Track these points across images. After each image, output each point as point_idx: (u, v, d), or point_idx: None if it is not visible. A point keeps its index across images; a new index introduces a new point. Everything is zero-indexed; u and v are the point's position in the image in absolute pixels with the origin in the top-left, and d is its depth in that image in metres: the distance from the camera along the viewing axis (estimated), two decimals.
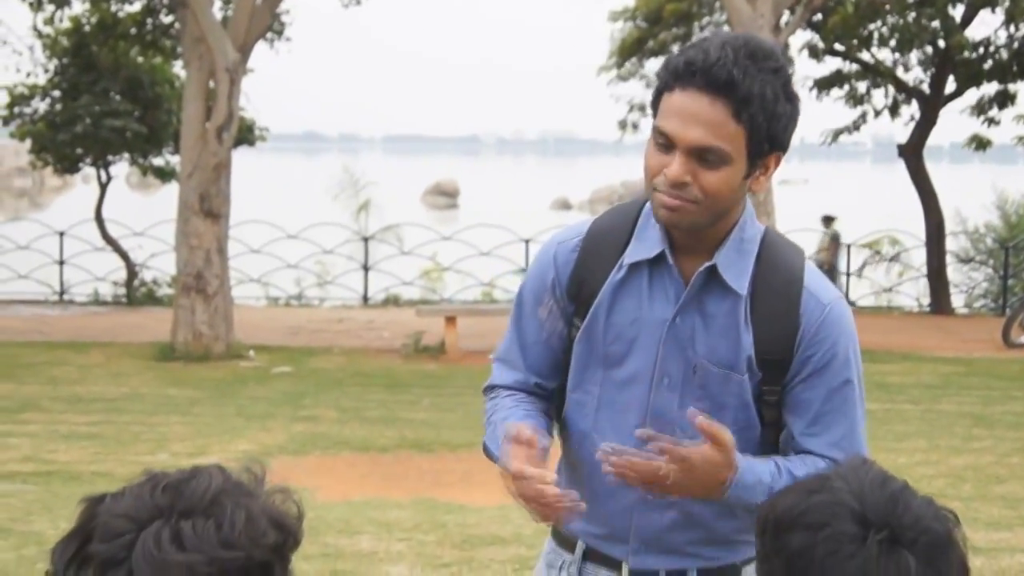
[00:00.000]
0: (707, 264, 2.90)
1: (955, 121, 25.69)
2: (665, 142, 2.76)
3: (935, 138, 25.93)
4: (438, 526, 8.51)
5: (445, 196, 67.16)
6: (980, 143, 24.41)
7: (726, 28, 23.97)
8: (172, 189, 20.02)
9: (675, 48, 24.80)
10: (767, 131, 2.75)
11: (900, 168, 25.06)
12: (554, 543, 3.21)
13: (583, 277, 3.03)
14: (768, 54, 2.75)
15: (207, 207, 16.12)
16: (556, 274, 3.07)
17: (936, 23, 22.34)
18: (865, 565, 1.88)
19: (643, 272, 2.97)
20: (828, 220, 23.10)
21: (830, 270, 21.99)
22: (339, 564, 7.44)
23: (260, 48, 18.52)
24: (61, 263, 23.21)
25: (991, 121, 24.14)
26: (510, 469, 2.84)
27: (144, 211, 26.66)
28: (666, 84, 2.77)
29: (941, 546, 1.93)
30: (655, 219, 2.92)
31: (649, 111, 2.93)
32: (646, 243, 2.97)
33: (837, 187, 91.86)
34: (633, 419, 2.97)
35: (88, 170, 24.49)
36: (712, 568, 3.05)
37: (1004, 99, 24.05)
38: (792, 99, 2.79)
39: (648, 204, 2.97)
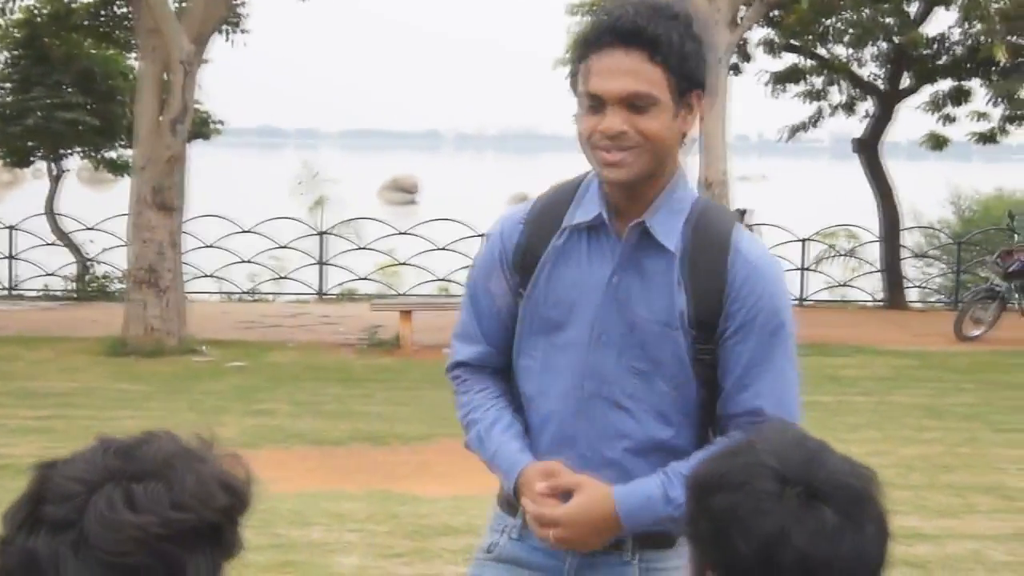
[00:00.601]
0: (637, 221, 3.05)
1: (912, 118, 25.84)
2: (594, 103, 2.96)
3: (893, 135, 26.10)
4: (390, 517, 8.51)
5: (403, 192, 66.93)
6: (937, 142, 24.56)
7: None
8: (124, 186, 19.89)
9: None
10: (681, 69, 2.94)
11: (857, 164, 25.18)
12: (499, 509, 3.33)
13: (527, 247, 3.18)
14: (667, 5, 2.98)
15: (160, 200, 16.03)
16: (503, 247, 3.23)
17: (892, 19, 22.44)
18: (784, 520, 1.93)
19: (583, 236, 3.12)
20: (741, 213, 23.18)
21: None
22: (291, 555, 7.45)
23: (216, 41, 18.42)
24: (11, 258, 22.99)
25: (947, 118, 24.28)
26: (546, 515, 3.05)
27: (96, 207, 26.47)
28: (582, 56, 2.99)
29: (858, 501, 1.98)
30: (600, 179, 3.07)
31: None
32: (585, 208, 3.12)
33: (795, 183, 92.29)
34: (571, 379, 3.13)
35: (38, 165, 24.34)
36: (649, 534, 3.12)
37: (959, 96, 24.18)
38: (696, 39, 2.99)
39: (589, 175, 3.17)
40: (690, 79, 2.97)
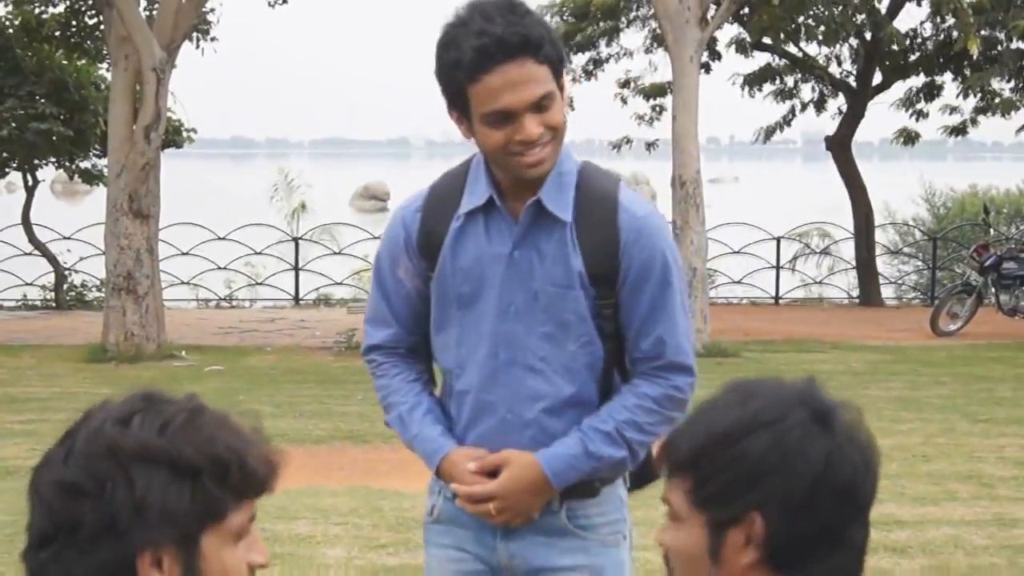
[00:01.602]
0: (533, 199, 3.25)
1: (884, 116, 25.96)
2: (500, 118, 3.10)
3: (865, 134, 26.25)
4: (374, 510, 8.58)
5: (375, 199, 66.81)
6: (908, 137, 24.67)
7: (652, 23, 24.14)
8: (96, 197, 19.86)
9: (602, 42, 24.94)
10: (556, 58, 3.14)
11: (830, 165, 25.25)
12: (434, 473, 3.50)
13: (428, 232, 3.37)
14: (516, 3, 3.13)
15: (136, 207, 16.03)
16: (406, 234, 3.41)
17: (863, 16, 22.53)
18: (834, 439, 2.04)
19: (479, 219, 3.32)
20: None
21: None
22: (277, 547, 7.49)
23: (186, 52, 18.43)
24: None
25: (919, 114, 24.36)
26: (479, 492, 3.31)
27: (69, 218, 26.44)
28: (468, 78, 3.09)
29: (860, 421, 2.12)
30: (520, 177, 3.22)
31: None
32: (476, 193, 3.32)
33: (767, 184, 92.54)
34: (486, 349, 3.34)
35: (10, 179, 24.25)
36: (573, 485, 3.34)
37: (931, 91, 24.31)
38: (546, 22, 3.22)
39: (475, 160, 3.38)
40: (560, 61, 3.17)
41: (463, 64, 3.07)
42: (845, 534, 2.07)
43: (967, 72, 22.39)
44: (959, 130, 24.08)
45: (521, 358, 3.32)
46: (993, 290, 19.31)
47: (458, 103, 3.17)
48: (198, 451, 1.93)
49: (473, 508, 3.31)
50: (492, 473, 3.30)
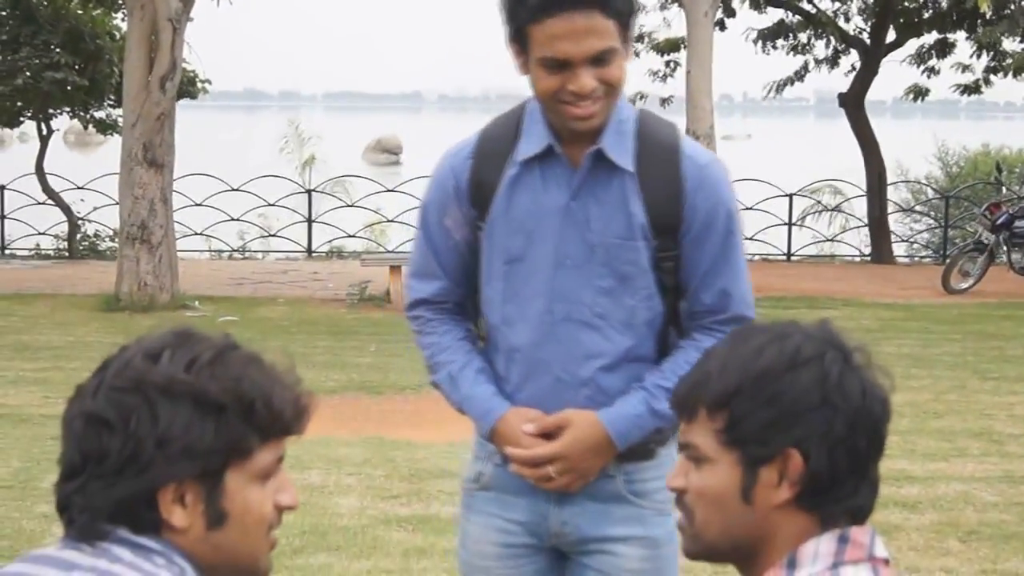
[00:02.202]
0: (594, 148, 3.15)
1: (897, 74, 25.86)
2: (556, 64, 3.01)
3: (877, 92, 26.11)
4: (387, 461, 8.64)
5: (387, 153, 66.78)
6: (918, 92, 24.63)
7: None
8: (109, 148, 19.87)
9: None
10: (627, 15, 3.05)
11: (843, 123, 25.18)
12: (478, 435, 3.39)
13: (480, 180, 3.25)
14: None
15: (151, 157, 16.06)
16: (456, 182, 3.28)
17: None
18: (864, 375, 2.11)
19: (535, 167, 3.20)
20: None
21: None
22: None
23: (203, 4, 18.42)
24: (2, 217, 23.03)
25: (931, 71, 24.32)
26: (542, 453, 3.19)
27: (83, 168, 26.45)
28: (531, 18, 3.00)
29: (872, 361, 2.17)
30: (568, 128, 3.13)
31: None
32: (533, 139, 3.20)
33: (779, 141, 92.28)
34: (540, 305, 3.22)
35: (24, 128, 24.26)
36: (630, 449, 3.24)
37: (944, 48, 24.23)
38: None
39: (529, 104, 3.26)
40: (631, 18, 3.07)
41: (528, 3, 3.00)
42: (869, 470, 2.12)
43: (979, 30, 22.30)
44: (972, 88, 23.99)
45: (577, 313, 3.21)
46: (1005, 248, 19.28)
47: (519, 39, 3.08)
48: (223, 388, 1.96)
49: (531, 472, 3.19)
50: (548, 436, 3.18)
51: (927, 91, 24.71)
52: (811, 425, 2.06)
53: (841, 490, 2.09)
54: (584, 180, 3.18)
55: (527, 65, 3.09)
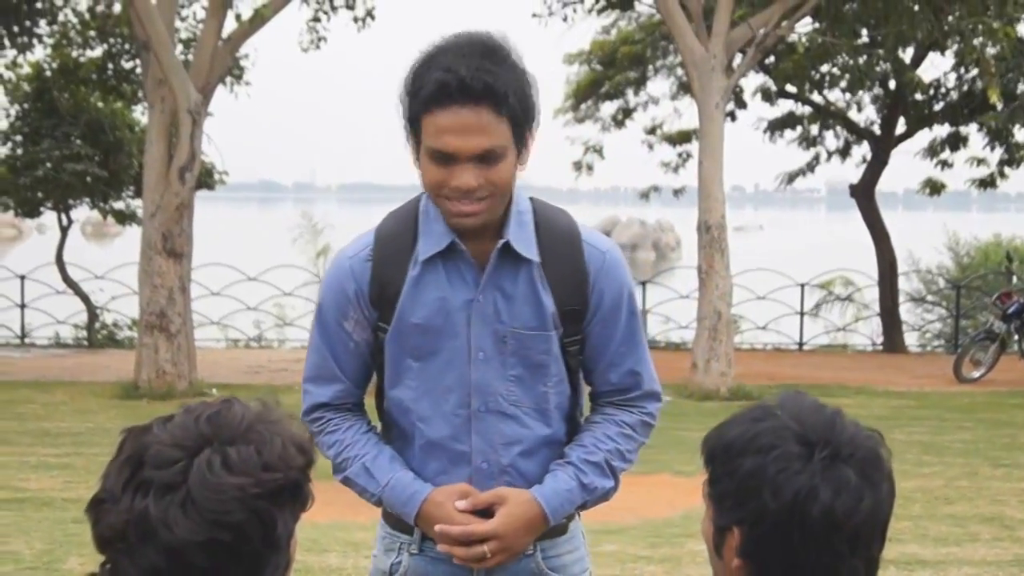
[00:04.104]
0: (502, 242, 3.16)
1: (908, 166, 26.01)
2: (441, 157, 3.00)
3: (889, 184, 26.28)
4: None
5: None
6: (934, 187, 24.75)
7: (679, 71, 24.36)
8: (125, 240, 20.04)
9: (629, 91, 25.19)
10: (523, 116, 3.03)
11: (854, 214, 25.34)
12: (388, 527, 3.40)
13: (382, 282, 3.22)
14: (499, 48, 3.02)
15: (170, 246, 16.28)
16: (356, 285, 3.24)
17: (886, 65, 22.69)
18: (811, 480, 2.13)
19: (437, 263, 3.20)
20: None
21: None
22: None
23: (219, 97, 18.68)
24: (22, 307, 23.24)
25: (944, 164, 24.44)
26: (478, 531, 3.15)
27: (99, 260, 26.68)
28: (423, 108, 2.99)
29: (873, 460, 2.20)
30: (449, 225, 3.14)
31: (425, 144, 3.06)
32: (433, 237, 3.19)
33: (791, 232, 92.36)
34: (455, 399, 3.23)
35: (43, 220, 24.48)
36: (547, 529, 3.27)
37: (956, 142, 24.37)
38: (527, 78, 3.06)
39: (423, 200, 3.24)
40: (529, 120, 3.06)
41: (421, 94, 2.97)
42: (826, 570, 2.16)
43: (992, 123, 22.44)
44: (987, 183, 24.08)
45: (494, 404, 3.22)
46: (1016, 337, 19.31)
47: (412, 128, 3.05)
48: (289, 465, 2.11)
49: (464, 552, 3.16)
50: (480, 513, 3.17)
51: (943, 186, 24.83)
52: (748, 510, 2.17)
53: None
54: (491, 274, 3.18)
55: (418, 158, 3.07)
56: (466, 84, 2.92)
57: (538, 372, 3.24)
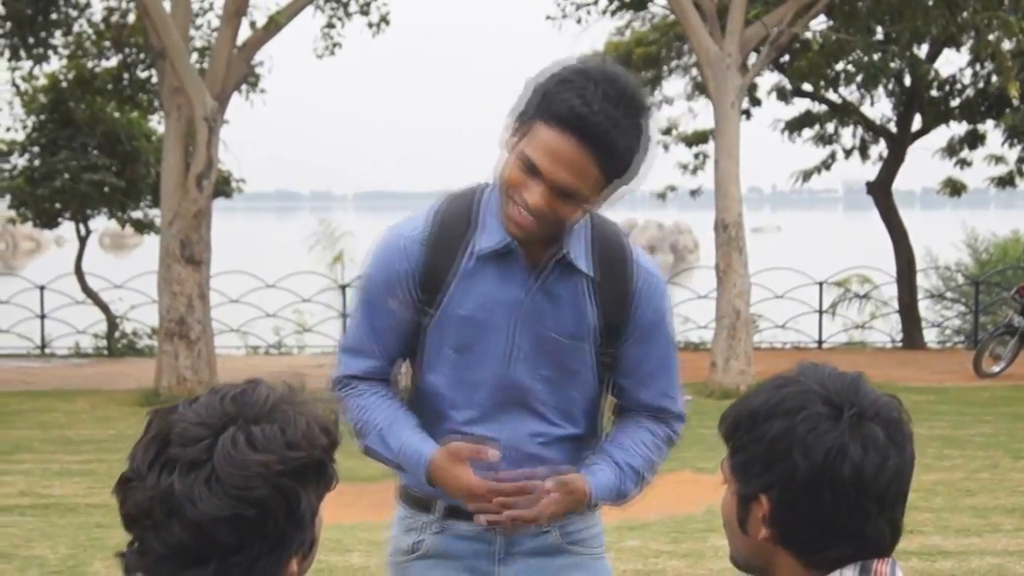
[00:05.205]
0: (560, 254, 3.19)
1: (926, 164, 25.96)
2: (528, 166, 3.02)
3: (907, 183, 26.21)
4: None
5: None
6: (955, 188, 24.72)
7: (693, 71, 24.37)
8: (143, 250, 20.10)
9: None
10: (615, 173, 3.05)
11: (872, 214, 25.28)
12: (407, 507, 3.45)
13: (435, 267, 3.23)
14: (639, 106, 3.04)
15: (188, 254, 16.33)
16: (408, 265, 3.24)
17: (901, 62, 22.67)
18: (841, 437, 2.15)
19: (491, 260, 3.22)
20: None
21: None
22: None
23: (235, 106, 18.76)
24: (42, 317, 23.32)
25: (963, 163, 24.41)
26: (475, 488, 3.15)
27: (117, 270, 26.79)
28: (543, 117, 3.00)
29: (896, 422, 2.22)
30: (504, 227, 3.16)
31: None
32: (491, 233, 3.20)
33: (809, 232, 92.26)
34: (486, 392, 3.28)
35: (60, 231, 24.54)
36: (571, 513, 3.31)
37: (974, 140, 24.35)
38: (645, 144, 3.08)
39: (484, 192, 3.28)
40: (622, 181, 3.09)
41: (548, 103, 2.98)
42: (854, 530, 2.19)
43: (1009, 120, 22.38)
44: (1006, 181, 24.02)
45: (523, 400, 3.28)
46: None
47: (522, 119, 3.06)
48: (313, 443, 2.10)
49: (494, 503, 3.15)
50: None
51: (964, 187, 24.80)
52: (777, 474, 2.18)
53: (817, 542, 2.20)
54: (544, 279, 3.22)
55: (511, 148, 3.09)
56: (589, 124, 2.93)
57: (570, 377, 3.30)
